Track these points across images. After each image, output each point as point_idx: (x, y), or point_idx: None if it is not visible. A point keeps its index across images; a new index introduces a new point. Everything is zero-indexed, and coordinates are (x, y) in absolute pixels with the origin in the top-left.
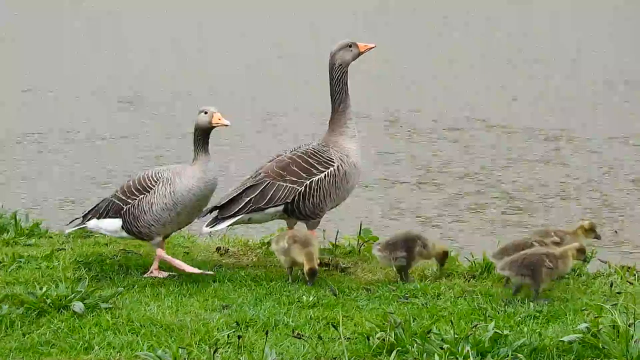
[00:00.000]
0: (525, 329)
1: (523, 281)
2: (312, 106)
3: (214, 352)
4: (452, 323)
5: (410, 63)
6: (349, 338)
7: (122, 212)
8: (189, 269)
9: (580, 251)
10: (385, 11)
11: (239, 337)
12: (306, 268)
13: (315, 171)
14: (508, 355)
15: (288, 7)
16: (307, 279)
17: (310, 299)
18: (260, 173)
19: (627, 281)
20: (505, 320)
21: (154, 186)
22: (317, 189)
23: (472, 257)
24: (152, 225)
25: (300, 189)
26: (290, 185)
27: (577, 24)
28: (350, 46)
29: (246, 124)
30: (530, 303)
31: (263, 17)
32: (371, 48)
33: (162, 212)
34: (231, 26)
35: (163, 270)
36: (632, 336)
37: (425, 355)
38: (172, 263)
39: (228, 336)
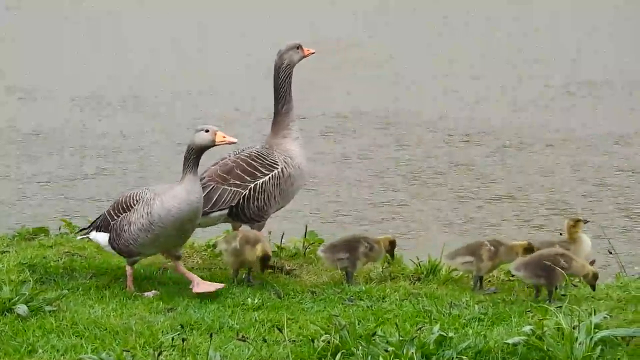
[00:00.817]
0: (470, 331)
1: (538, 282)
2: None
3: (159, 355)
4: (397, 325)
5: (411, 62)
6: (294, 341)
7: (109, 227)
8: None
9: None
10: (385, 11)
11: (184, 340)
12: (259, 254)
13: (259, 174)
14: (453, 358)
15: (288, 7)
16: (260, 265)
17: (255, 301)
18: (204, 177)
19: (571, 284)
20: (450, 323)
21: (134, 205)
22: (261, 191)
23: (418, 259)
24: (131, 244)
25: (244, 193)
26: (235, 188)
27: (577, 24)
28: (298, 48)
29: (247, 123)
30: (475, 305)
31: (263, 16)
32: (312, 53)
33: (139, 232)
34: (231, 26)
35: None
36: (577, 338)
37: (370, 357)
38: (128, 281)
39: (172, 339)
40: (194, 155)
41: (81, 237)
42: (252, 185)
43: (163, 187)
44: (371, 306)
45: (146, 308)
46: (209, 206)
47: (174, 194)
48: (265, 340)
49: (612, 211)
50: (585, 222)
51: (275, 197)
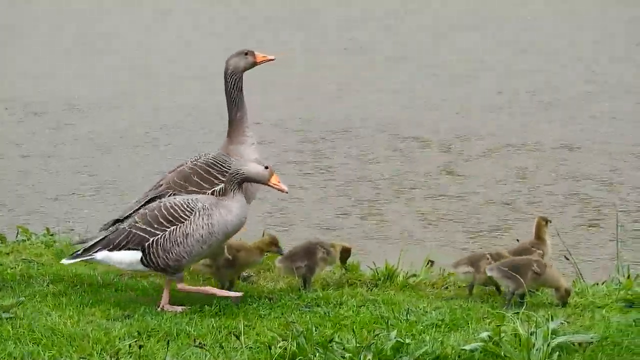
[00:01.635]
0: (427, 338)
1: (507, 284)
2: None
3: None
4: (354, 332)
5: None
6: (251, 347)
7: (147, 244)
8: (219, 292)
9: None
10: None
11: (140, 346)
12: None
13: (216, 181)
14: None
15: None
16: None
17: (213, 308)
18: (161, 184)
19: (528, 290)
20: (407, 329)
21: (188, 216)
22: None
23: (375, 265)
24: (184, 257)
25: None
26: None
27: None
28: (246, 54)
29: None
30: (433, 312)
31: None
32: (270, 60)
33: (195, 244)
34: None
35: (175, 305)
36: (534, 344)
37: None
38: (200, 291)
39: (130, 345)
40: (242, 181)
41: (77, 260)
42: (210, 192)
43: (210, 199)
44: (328, 312)
45: (103, 315)
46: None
47: (229, 207)
48: (222, 347)
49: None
50: (549, 221)
51: None
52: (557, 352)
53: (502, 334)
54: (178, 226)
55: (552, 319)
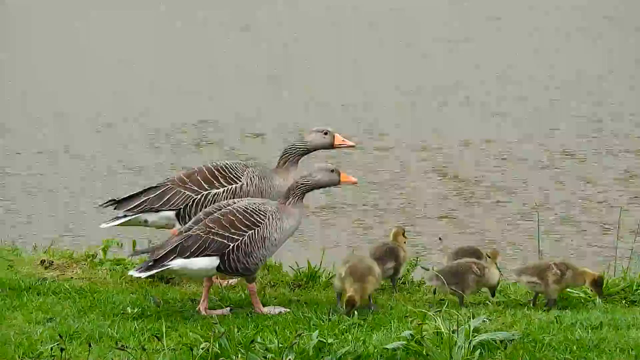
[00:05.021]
0: (350, 337)
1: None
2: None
3: None
4: (276, 332)
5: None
6: (174, 349)
7: (228, 249)
8: (265, 309)
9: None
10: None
11: (62, 349)
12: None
13: (216, 184)
14: None
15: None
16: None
17: (135, 310)
18: (168, 178)
19: (450, 288)
20: (329, 329)
21: (263, 220)
22: (212, 201)
23: (297, 266)
24: (261, 260)
25: (195, 198)
26: (188, 192)
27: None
28: (326, 133)
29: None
30: (355, 311)
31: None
32: (350, 146)
33: (272, 247)
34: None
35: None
36: (456, 342)
37: None
38: (254, 302)
39: (51, 349)
40: (308, 190)
41: (151, 272)
42: (205, 192)
43: (273, 204)
44: (250, 313)
45: (25, 319)
46: (160, 204)
47: (292, 213)
48: (144, 349)
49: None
50: (439, 239)
51: None
52: (479, 350)
53: (424, 333)
54: (255, 230)
55: (473, 317)
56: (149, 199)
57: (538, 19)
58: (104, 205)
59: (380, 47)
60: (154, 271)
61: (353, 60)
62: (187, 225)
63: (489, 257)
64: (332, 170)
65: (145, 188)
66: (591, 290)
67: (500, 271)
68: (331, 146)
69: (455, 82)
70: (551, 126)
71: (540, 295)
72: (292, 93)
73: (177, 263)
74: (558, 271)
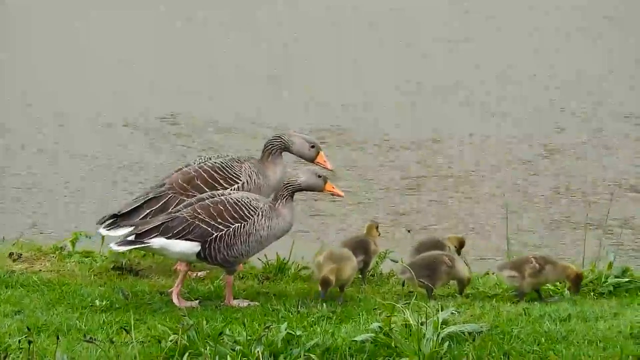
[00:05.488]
0: (319, 330)
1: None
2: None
3: (4, 358)
4: (244, 325)
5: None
6: (142, 342)
7: (210, 238)
8: (234, 302)
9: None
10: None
11: (30, 342)
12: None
13: (218, 187)
14: (300, 356)
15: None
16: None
17: (103, 303)
18: (164, 184)
19: (419, 280)
20: (298, 321)
21: (252, 216)
22: None
23: (266, 258)
24: (242, 255)
25: None
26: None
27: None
28: (312, 146)
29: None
30: (324, 304)
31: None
32: (326, 168)
33: (255, 244)
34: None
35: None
36: (424, 335)
37: (217, 357)
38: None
39: (19, 342)
40: (296, 191)
41: (131, 247)
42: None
43: (266, 201)
44: (219, 306)
45: None
46: (164, 214)
47: (284, 214)
48: (112, 342)
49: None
50: (408, 231)
51: None
52: (448, 342)
53: (393, 325)
54: (242, 224)
55: (442, 309)
56: (152, 211)
57: (538, 19)
58: (103, 221)
59: (380, 47)
60: (134, 247)
61: (353, 60)
62: (177, 208)
63: (456, 247)
64: (319, 176)
65: (147, 198)
66: (568, 287)
67: (467, 264)
68: (311, 160)
69: (455, 82)
70: (551, 126)
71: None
72: (292, 93)
73: (157, 242)
74: (537, 265)
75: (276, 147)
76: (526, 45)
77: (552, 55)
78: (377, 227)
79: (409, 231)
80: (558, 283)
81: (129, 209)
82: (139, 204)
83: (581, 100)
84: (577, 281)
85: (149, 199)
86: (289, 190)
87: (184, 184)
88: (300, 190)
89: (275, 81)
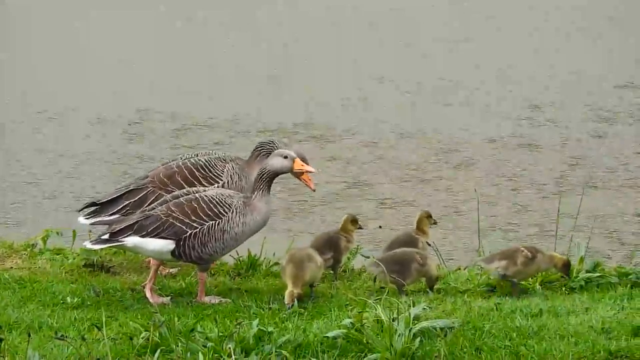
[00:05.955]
0: (290, 326)
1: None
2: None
3: None
4: (216, 321)
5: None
6: (114, 339)
7: (185, 236)
8: (206, 299)
9: None
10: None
11: (1, 340)
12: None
13: (198, 185)
14: (272, 352)
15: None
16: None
17: (75, 300)
18: (147, 176)
19: (390, 275)
20: (270, 318)
21: (226, 213)
22: None
23: (237, 254)
24: (217, 252)
25: None
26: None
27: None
28: (285, 157)
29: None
30: (296, 300)
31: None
32: (307, 171)
33: (230, 241)
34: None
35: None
36: (396, 330)
37: (189, 353)
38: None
39: None
40: (268, 178)
41: (105, 245)
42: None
43: (240, 196)
44: (191, 302)
45: None
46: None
47: (259, 208)
48: (84, 339)
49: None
50: (435, 223)
51: None
52: (419, 338)
53: (365, 321)
54: (217, 222)
55: (414, 305)
56: (130, 203)
57: (538, 18)
58: (84, 208)
59: (380, 47)
60: (108, 245)
61: (353, 60)
62: (152, 205)
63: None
64: (286, 157)
65: (127, 189)
66: (561, 275)
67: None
68: (290, 170)
69: (455, 82)
70: (551, 126)
71: (519, 283)
72: (292, 93)
73: (131, 240)
74: (529, 253)
75: (265, 151)
76: (526, 45)
77: (552, 55)
78: (353, 221)
79: (380, 227)
80: (530, 278)
81: (108, 199)
82: (119, 194)
83: (581, 100)
84: (566, 268)
85: (129, 190)
86: (264, 180)
87: (165, 179)
88: (273, 176)
89: (275, 81)
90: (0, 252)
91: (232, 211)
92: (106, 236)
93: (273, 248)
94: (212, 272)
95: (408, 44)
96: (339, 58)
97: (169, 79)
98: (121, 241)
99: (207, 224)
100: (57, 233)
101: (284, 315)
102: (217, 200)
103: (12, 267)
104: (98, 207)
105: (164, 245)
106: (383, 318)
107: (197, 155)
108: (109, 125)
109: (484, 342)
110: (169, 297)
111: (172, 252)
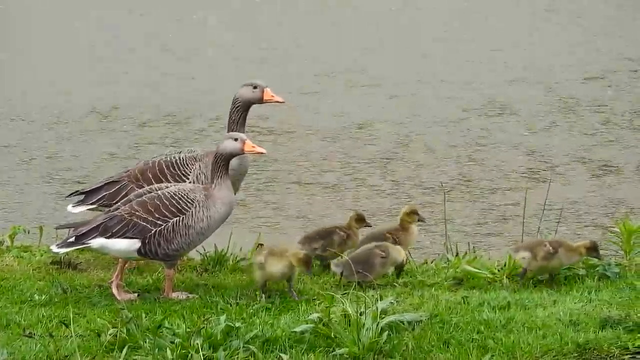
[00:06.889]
0: (258, 321)
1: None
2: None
3: None
4: (183, 317)
5: None
6: (82, 335)
7: (149, 234)
8: (173, 295)
9: None
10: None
11: None
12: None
13: (165, 182)
14: (240, 347)
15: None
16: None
17: (42, 297)
18: (128, 169)
19: (357, 270)
20: (237, 313)
21: (190, 209)
22: None
23: (204, 249)
24: (183, 248)
25: None
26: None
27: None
28: (255, 87)
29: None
30: (263, 295)
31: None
32: (277, 101)
33: (196, 236)
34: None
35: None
36: (364, 324)
37: (157, 350)
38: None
39: None
40: (223, 162)
41: (71, 248)
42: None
43: (201, 189)
44: (158, 298)
45: None
46: (115, 201)
47: (222, 198)
48: (52, 336)
49: None
50: (421, 220)
51: None
52: (387, 332)
53: (332, 315)
54: (180, 218)
55: (381, 299)
56: (108, 194)
57: (538, 18)
58: (70, 196)
59: (380, 47)
60: (74, 248)
61: (353, 60)
62: (115, 205)
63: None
64: (236, 139)
65: (109, 180)
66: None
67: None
68: (261, 101)
69: (455, 82)
70: (551, 125)
71: (531, 271)
72: (292, 93)
73: (97, 242)
74: (550, 247)
75: (234, 122)
76: (526, 44)
77: (552, 54)
78: (358, 219)
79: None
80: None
81: (91, 188)
82: (101, 184)
83: (580, 100)
84: (593, 251)
85: (110, 182)
86: (218, 164)
87: (138, 174)
88: (226, 158)
89: (275, 81)
90: None
91: (195, 206)
92: (72, 239)
93: (239, 243)
94: (180, 268)
95: (408, 43)
96: (339, 58)
97: (169, 79)
98: (87, 243)
99: (171, 220)
100: (25, 230)
101: (252, 311)
102: (179, 196)
103: None
104: (83, 196)
105: (130, 244)
106: (350, 312)
107: (181, 152)
108: (109, 124)
109: (451, 336)
110: (136, 294)
111: (139, 251)
